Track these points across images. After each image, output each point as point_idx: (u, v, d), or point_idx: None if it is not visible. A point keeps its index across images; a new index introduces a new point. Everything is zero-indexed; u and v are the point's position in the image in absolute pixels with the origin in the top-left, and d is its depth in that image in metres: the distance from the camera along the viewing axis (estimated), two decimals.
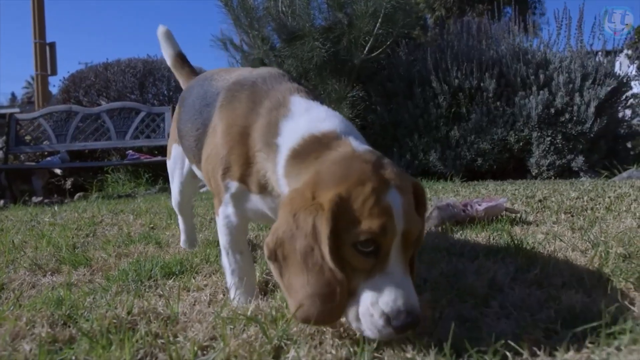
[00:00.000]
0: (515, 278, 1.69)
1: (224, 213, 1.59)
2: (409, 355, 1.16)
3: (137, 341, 1.27)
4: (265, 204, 1.50)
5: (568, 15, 6.46)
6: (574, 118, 6.04)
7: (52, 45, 11.91)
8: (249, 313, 1.40)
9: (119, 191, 7.21)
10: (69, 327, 1.42)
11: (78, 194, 7.07)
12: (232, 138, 1.50)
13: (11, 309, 1.56)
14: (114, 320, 1.41)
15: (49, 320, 1.44)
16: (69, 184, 8.43)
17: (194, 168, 1.99)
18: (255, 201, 1.51)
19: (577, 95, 6.03)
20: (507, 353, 1.15)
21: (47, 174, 8.33)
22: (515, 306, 1.43)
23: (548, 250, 2.02)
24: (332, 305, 1.15)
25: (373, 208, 1.15)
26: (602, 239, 2.12)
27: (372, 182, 1.18)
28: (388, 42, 6.64)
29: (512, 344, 1.17)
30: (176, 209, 2.46)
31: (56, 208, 4.90)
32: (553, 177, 6.02)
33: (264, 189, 1.46)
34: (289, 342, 1.24)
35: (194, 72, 2.43)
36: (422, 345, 1.19)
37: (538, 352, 1.15)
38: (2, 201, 6.30)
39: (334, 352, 1.19)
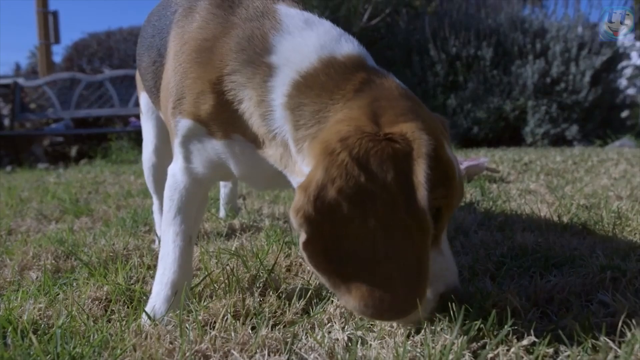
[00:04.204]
0: (482, 224, 1.83)
1: (172, 169, 1.19)
2: None
3: (130, 269, 1.42)
4: (231, 153, 1.08)
5: None
6: (569, 87, 6.11)
7: (55, 14, 11.91)
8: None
9: (122, 157, 7.36)
10: (71, 259, 1.58)
11: (83, 160, 7.24)
12: (188, 57, 1.08)
13: (19, 246, 1.71)
14: (111, 254, 1.57)
15: (53, 254, 1.60)
16: (73, 151, 8.59)
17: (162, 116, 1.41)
18: (214, 150, 1.09)
19: (573, 65, 6.09)
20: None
21: (44, 140, 8.47)
22: (475, 245, 1.57)
23: (518, 203, 2.16)
24: (419, 284, 0.82)
25: (445, 167, 0.89)
26: (570, 194, 2.26)
27: (439, 132, 0.93)
28: (387, 11, 6.69)
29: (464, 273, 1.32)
30: (148, 182, 1.75)
31: (61, 170, 5.07)
32: (547, 146, 6.12)
33: (233, 129, 1.05)
34: (264, 272, 1.38)
35: None
36: None
37: (485, 279, 1.30)
38: (9, 167, 6.48)
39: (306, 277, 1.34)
